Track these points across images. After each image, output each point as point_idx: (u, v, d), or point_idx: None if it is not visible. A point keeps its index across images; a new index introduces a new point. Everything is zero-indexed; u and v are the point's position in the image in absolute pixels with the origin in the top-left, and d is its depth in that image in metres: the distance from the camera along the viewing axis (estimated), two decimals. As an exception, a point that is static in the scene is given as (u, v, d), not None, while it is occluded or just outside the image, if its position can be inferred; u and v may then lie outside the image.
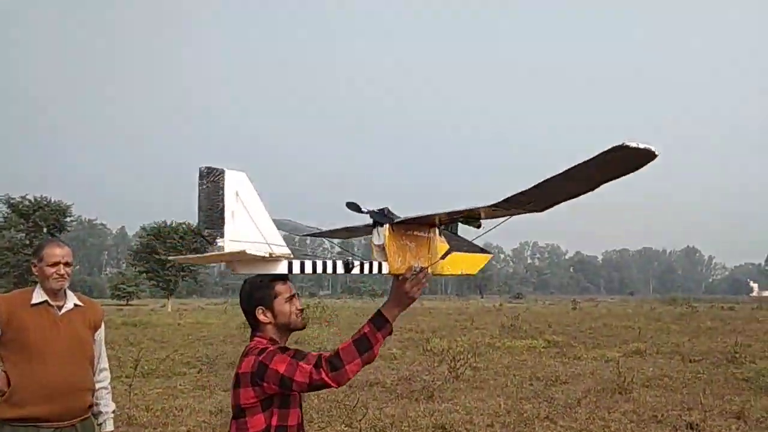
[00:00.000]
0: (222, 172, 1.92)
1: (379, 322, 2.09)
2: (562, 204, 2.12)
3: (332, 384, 1.99)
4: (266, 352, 2.08)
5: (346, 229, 2.92)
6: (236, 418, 2.11)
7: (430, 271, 2.29)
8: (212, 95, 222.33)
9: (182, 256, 2.45)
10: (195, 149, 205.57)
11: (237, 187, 1.95)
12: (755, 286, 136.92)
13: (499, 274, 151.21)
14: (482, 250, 2.74)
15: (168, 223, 49.69)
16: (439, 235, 2.45)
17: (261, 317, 2.21)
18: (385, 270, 2.21)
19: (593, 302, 63.61)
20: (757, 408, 8.49)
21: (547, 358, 13.92)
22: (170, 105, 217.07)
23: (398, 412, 8.29)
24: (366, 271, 2.20)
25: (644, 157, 1.66)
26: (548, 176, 1.83)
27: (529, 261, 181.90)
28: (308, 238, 3.49)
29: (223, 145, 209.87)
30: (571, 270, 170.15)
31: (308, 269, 2.11)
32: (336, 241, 3.20)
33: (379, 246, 2.24)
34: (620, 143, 1.58)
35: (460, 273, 2.62)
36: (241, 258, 1.98)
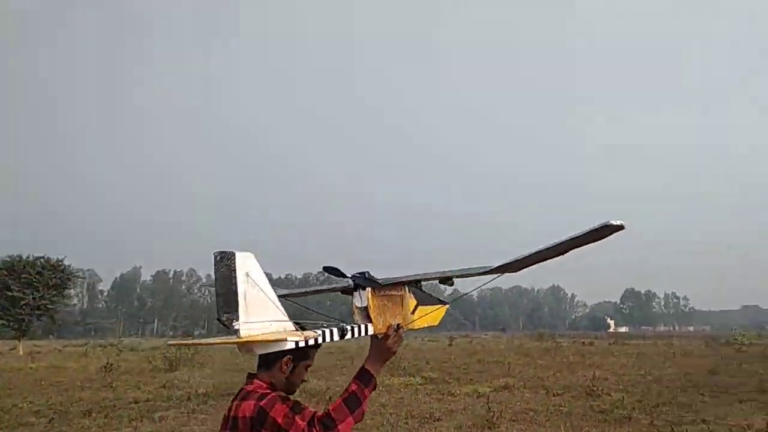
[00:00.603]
0: (233, 255, 2.05)
1: (365, 378, 2.20)
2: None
3: None
4: (267, 398, 2.08)
5: (318, 290, 3.09)
6: None
7: (405, 327, 2.48)
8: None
9: (203, 341, 2.33)
10: (53, 177, 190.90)
11: (247, 269, 2.07)
12: (612, 322, 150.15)
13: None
14: (441, 302, 2.89)
15: (23, 257, 45.20)
16: (408, 291, 2.62)
17: (284, 365, 2.21)
18: (370, 331, 2.37)
19: (468, 338, 65.87)
20: (610, 438, 9.13)
21: (423, 395, 14.13)
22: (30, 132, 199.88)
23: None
24: (356, 334, 2.34)
25: (615, 230, 2.02)
26: (542, 247, 2.21)
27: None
28: None
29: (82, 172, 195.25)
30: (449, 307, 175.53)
31: (311, 341, 2.21)
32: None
33: (361, 308, 2.41)
34: (606, 222, 1.99)
35: (427, 325, 2.77)
36: (278, 339, 2.12)
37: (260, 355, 2.22)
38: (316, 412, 2.06)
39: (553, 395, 13.94)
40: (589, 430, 9.72)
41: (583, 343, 43.47)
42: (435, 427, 9.97)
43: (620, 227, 2.00)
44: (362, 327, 2.37)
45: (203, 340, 2.32)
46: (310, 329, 2.27)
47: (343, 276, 2.46)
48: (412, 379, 17.21)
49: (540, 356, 27.57)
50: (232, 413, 2.12)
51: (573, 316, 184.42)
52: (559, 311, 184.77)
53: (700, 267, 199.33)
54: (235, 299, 2.03)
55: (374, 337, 2.37)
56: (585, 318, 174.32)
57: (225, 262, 2.05)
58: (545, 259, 2.32)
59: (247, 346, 2.15)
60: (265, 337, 2.09)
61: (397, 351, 2.35)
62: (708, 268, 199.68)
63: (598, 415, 11.21)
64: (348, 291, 2.55)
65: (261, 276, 2.13)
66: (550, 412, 11.43)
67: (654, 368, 20.93)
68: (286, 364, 2.20)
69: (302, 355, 2.24)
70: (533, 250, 2.25)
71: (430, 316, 2.77)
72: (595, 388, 14.07)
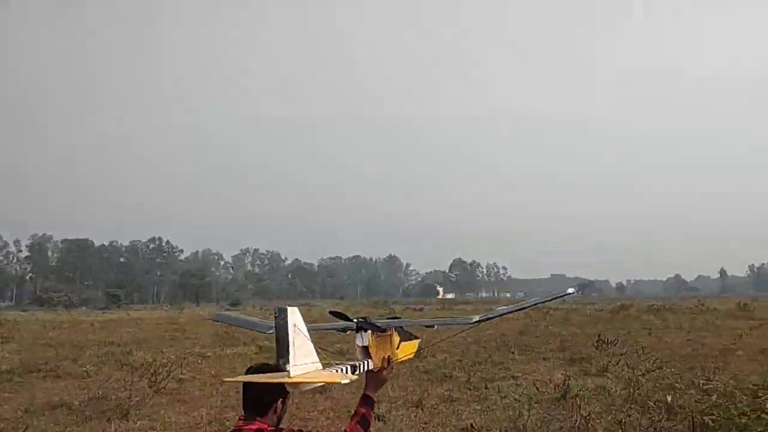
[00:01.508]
0: (286, 309, 2.48)
1: (369, 403, 2.75)
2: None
3: None
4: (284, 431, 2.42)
5: (322, 328, 3.76)
6: None
7: (394, 360, 3.04)
8: None
9: (276, 375, 2.50)
10: None
11: (294, 321, 2.47)
12: (441, 289, 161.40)
13: (218, 281, 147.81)
14: (414, 337, 3.48)
15: None
16: (395, 331, 3.17)
17: (278, 406, 2.48)
18: (370, 366, 2.88)
19: (307, 306, 66.46)
20: (433, 396, 9.79)
21: (255, 363, 13.98)
22: None
23: (84, 436, 7.43)
24: (362, 370, 2.82)
25: (569, 295, 3.10)
26: (513, 307, 3.38)
27: (249, 268, 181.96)
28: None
29: None
30: (290, 276, 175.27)
31: (347, 381, 2.58)
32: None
33: (362, 347, 2.93)
34: (566, 291, 2.91)
35: (407, 358, 3.35)
36: (333, 381, 2.56)
37: (252, 402, 2.46)
38: None
39: (383, 358, 14.56)
40: (413, 389, 10.32)
41: (414, 309, 46.05)
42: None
43: (574, 293, 3.01)
44: (366, 363, 2.87)
45: (257, 377, 2.57)
46: (331, 367, 2.69)
47: (349, 320, 3.02)
48: (247, 348, 17.02)
49: (374, 322, 28.60)
50: None
51: (407, 284, 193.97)
52: (395, 280, 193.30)
53: (515, 239, 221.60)
54: (287, 347, 2.41)
55: (370, 371, 2.86)
56: (418, 286, 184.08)
57: (282, 316, 2.46)
58: (513, 312, 3.24)
59: (297, 384, 2.50)
60: (321, 379, 2.54)
61: (388, 380, 2.94)
62: (521, 238, 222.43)
63: (422, 374, 11.98)
64: (344, 330, 3.19)
65: (303, 326, 2.52)
66: (379, 375, 11.92)
67: (473, 331, 22.76)
68: (281, 404, 2.50)
69: (287, 392, 2.53)
70: (506, 310, 3.39)
71: (409, 349, 3.35)
72: (421, 350, 14.89)
